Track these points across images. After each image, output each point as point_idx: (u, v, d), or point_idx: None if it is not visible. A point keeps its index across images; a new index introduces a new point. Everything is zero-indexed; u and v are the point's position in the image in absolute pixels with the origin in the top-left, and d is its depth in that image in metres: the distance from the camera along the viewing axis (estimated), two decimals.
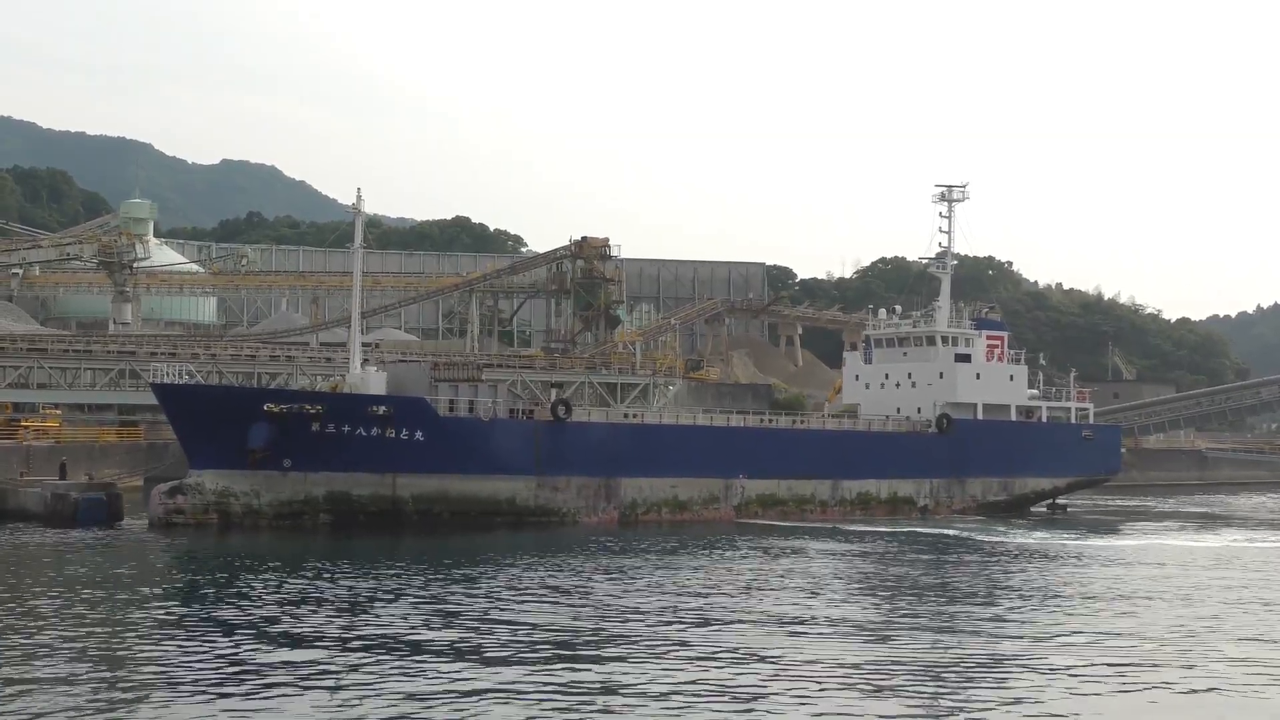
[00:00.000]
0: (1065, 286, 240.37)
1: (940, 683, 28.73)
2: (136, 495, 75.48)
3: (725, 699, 26.77)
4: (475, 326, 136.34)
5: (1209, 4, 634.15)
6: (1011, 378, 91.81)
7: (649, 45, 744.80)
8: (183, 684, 27.19)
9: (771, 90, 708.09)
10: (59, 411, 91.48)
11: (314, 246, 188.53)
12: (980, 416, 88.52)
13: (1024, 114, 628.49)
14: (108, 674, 27.93)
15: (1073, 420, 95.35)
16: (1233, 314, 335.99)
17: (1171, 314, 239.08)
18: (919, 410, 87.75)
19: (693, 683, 28.15)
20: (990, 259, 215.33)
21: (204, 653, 30.59)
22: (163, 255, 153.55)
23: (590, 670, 29.38)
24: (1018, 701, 27.19)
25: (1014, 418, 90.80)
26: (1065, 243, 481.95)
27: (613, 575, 47.09)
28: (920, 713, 26.19)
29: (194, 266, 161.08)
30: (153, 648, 31.53)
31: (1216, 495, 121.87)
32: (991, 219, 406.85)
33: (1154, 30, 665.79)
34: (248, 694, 26.42)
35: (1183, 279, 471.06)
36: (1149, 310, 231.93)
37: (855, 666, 30.33)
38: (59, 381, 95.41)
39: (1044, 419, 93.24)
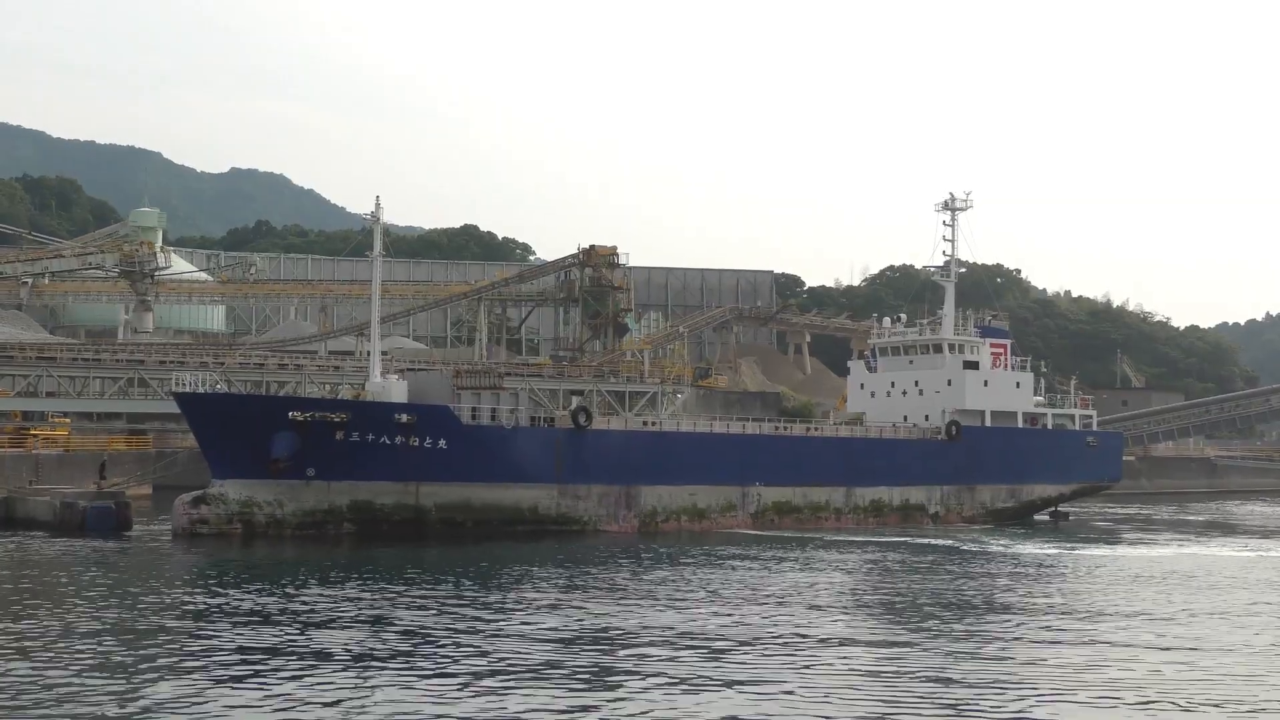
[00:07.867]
0: (1074, 294, 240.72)
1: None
2: (146, 504, 75.50)
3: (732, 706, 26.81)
4: (484, 334, 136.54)
5: (1218, 4, 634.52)
6: (1018, 385, 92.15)
7: (659, 54, 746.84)
8: (205, 694, 27.20)
9: (781, 97, 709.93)
10: (68, 420, 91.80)
11: (323, 255, 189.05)
12: (988, 424, 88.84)
13: (1034, 118, 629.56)
14: (121, 685, 27.86)
15: (1076, 427, 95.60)
16: (1241, 321, 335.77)
17: (1180, 321, 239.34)
18: (926, 418, 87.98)
19: (700, 690, 28.15)
20: (998, 266, 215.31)
21: (218, 660, 30.70)
22: (171, 264, 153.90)
23: (596, 676, 29.46)
24: None
25: (1020, 424, 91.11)
26: (1074, 250, 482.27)
27: (634, 584, 47.16)
28: None
29: (203, 275, 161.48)
30: (168, 658, 31.32)
31: (1228, 503, 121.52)
32: (1001, 226, 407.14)
33: (1166, 35, 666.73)
34: (255, 699, 26.61)
35: (1191, 286, 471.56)
36: (1158, 318, 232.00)
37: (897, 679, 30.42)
38: (68, 390, 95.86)
39: (1049, 425, 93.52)
